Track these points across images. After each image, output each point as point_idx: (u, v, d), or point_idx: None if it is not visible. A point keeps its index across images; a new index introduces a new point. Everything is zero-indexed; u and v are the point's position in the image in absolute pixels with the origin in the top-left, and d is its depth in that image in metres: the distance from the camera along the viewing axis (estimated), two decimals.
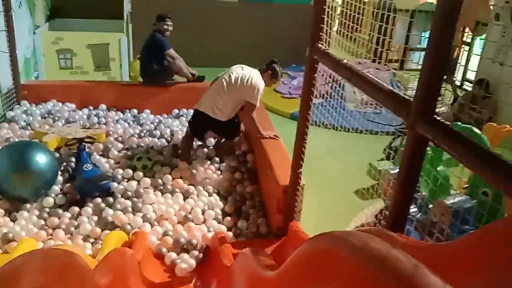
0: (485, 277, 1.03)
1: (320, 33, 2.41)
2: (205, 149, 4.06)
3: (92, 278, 1.15)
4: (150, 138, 4.15)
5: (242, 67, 3.83)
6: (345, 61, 2.16)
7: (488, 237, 1.12)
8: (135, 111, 4.88)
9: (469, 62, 7.06)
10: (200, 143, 4.10)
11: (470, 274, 1.09)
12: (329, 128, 5.11)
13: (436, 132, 1.41)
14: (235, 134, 4.06)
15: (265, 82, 3.76)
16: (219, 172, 3.78)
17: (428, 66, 1.45)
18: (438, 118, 1.45)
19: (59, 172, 3.42)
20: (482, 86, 5.19)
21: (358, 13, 2.60)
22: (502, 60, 5.45)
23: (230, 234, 3.06)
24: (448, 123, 1.42)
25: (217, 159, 3.92)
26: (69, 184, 3.39)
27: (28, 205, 3.11)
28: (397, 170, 1.71)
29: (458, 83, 7.29)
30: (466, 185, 3.08)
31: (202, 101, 3.84)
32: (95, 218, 3.07)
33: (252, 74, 3.72)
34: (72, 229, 2.95)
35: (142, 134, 4.25)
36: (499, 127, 3.15)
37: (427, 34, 1.44)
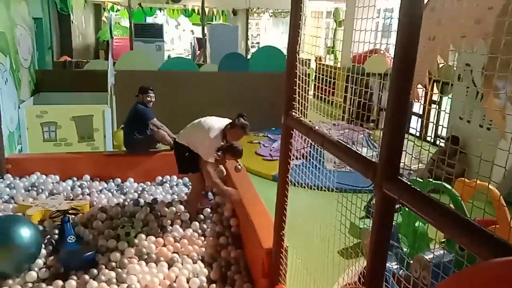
0: None
1: (293, 102, 2.60)
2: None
3: None
4: (134, 207, 4.19)
5: (213, 119, 4.05)
6: (317, 127, 2.33)
7: (467, 281, 1.19)
8: (119, 180, 4.94)
9: (439, 120, 7.40)
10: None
11: None
12: (310, 189, 5.21)
13: (401, 192, 1.53)
14: (185, 169, 4.17)
15: (226, 134, 3.92)
16: (203, 238, 3.80)
17: (389, 128, 1.58)
18: (402, 178, 1.58)
19: (43, 245, 3.41)
20: (453, 142, 5.44)
21: (332, 78, 2.79)
22: (468, 117, 5.77)
23: None
24: (413, 181, 1.55)
25: (202, 225, 3.96)
26: (52, 257, 3.37)
27: (10, 281, 3.06)
28: None
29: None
30: (444, 239, 3.17)
31: None
32: None
33: (211, 126, 3.89)
34: None
35: (126, 203, 4.29)
36: (469, 181, 3.30)
37: None
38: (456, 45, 1.81)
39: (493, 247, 1.18)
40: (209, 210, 4.21)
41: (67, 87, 7.22)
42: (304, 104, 2.65)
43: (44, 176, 4.80)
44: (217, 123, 3.96)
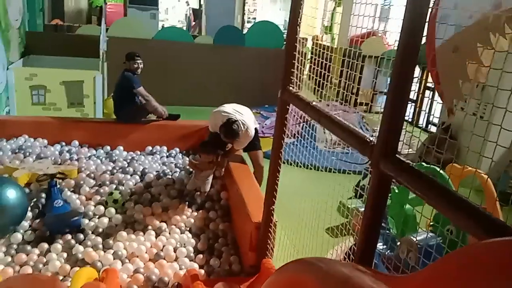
0: None
1: (291, 77, 2.55)
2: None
3: None
4: (123, 175, 4.15)
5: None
6: (314, 103, 2.29)
7: (447, 267, 1.20)
8: (108, 147, 4.87)
9: (433, 106, 7.43)
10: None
11: None
12: (301, 167, 5.22)
13: (398, 171, 1.52)
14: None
15: None
16: (191, 210, 3.78)
17: (390, 108, 1.57)
18: (400, 157, 1.57)
19: (29, 208, 3.37)
20: (445, 129, 5.46)
21: (328, 60, 2.74)
22: (463, 105, 5.77)
23: (202, 272, 3.05)
24: (409, 162, 1.54)
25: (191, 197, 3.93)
26: (38, 220, 3.34)
27: None
28: None
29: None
30: (432, 223, 3.21)
31: None
32: (65, 255, 3.02)
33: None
34: (41, 266, 2.88)
35: (115, 171, 4.24)
36: (459, 167, 3.32)
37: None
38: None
39: (489, 227, 1.18)
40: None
41: (57, 51, 7.04)
42: (299, 84, 2.61)
43: (32, 140, 4.71)
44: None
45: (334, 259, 1.32)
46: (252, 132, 4.09)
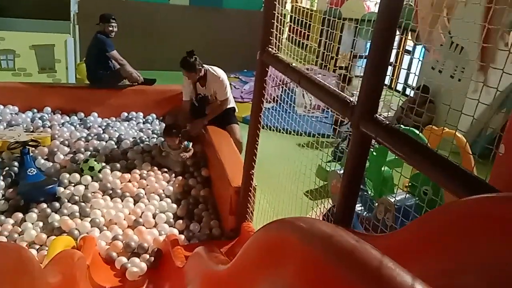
0: (425, 265, 1.10)
1: (270, 38, 2.48)
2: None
3: (42, 275, 1.13)
4: (98, 142, 4.04)
5: None
6: (293, 64, 2.24)
7: (425, 226, 1.20)
8: (82, 114, 4.72)
9: (411, 69, 7.43)
10: None
11: (411, 262, 1.16)
12: (280, 132, 5.20)
13: (378, 131, 1.50)
14: None
15: None
16: (169, 177, 3.73)
17: (370, 69, 1.54)
18: (379, 117, 1.55)
19: (1, 177, 3.26)
20: (423, 92, 5.49)
21: (307, 21, 2.67)
22: (440, 68, 5.80)
23: (182, 237, 3.05)
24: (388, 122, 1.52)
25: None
26: (12, 190, 3.24)
27: None
28: None
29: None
30: (408, 184, 3.25)
31: None
32: (40, 224, 2.96)
33: None
34: (16, 235, 2.82)
35: (90, 138, 4.13)
36: (437, 129, 3.35)
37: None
38: None
39: (469, 184, 1.18)
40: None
41: (25, 13, 6.69)
42: (279, 45, 2.54)
43: (1, 106, 4.53)
44: None
45: (314, 218, 1.32)
46: (223, 77, 4.20)
